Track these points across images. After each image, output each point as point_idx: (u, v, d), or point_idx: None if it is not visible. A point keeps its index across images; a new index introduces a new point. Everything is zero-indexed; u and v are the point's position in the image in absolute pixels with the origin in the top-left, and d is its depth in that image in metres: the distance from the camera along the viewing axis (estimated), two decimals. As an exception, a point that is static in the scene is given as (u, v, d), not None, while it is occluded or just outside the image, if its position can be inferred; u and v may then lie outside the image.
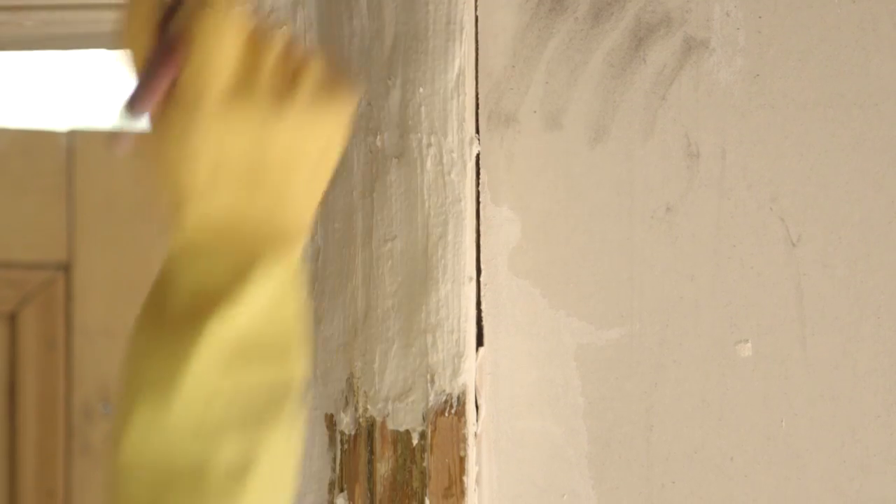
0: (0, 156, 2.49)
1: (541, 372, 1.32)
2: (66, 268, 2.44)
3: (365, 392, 1.28)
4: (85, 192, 2.48)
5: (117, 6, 1.24)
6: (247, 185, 1.13)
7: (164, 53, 1.12)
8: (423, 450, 1.28)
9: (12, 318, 2.47)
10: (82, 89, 3.26)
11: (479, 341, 1.30)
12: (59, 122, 2.67)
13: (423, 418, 1.27)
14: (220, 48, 1.12)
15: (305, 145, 1.15)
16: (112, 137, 1.13)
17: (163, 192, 1.15)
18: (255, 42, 1.15)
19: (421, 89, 1.26)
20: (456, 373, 1.26)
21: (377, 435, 1.28)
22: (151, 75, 1.12)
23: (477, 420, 1.28)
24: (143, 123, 1.15)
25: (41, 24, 1.55)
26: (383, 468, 1.28)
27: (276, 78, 1.15)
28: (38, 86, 3.30)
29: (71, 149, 2.47)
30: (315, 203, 1.17)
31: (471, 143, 1.27)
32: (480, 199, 1.31)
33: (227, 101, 1.13)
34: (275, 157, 1.14)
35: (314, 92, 1.16)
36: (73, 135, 2.47)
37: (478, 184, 1.31)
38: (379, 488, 1.27)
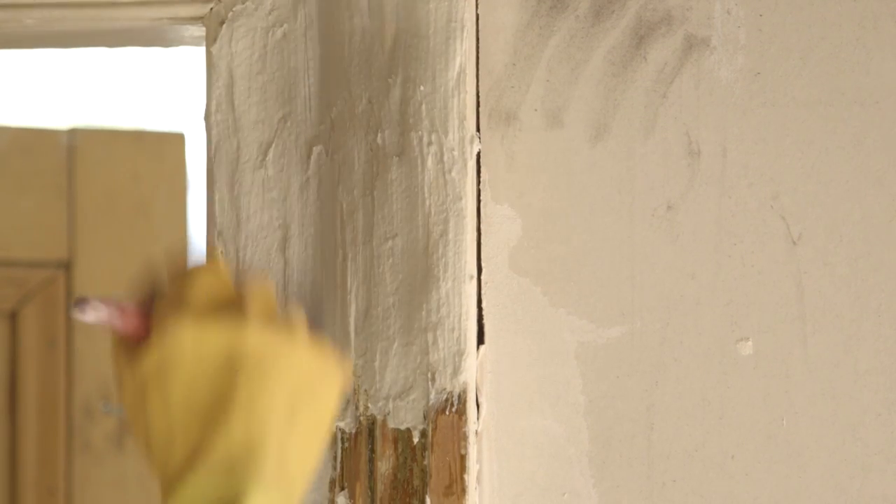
0: (0, 154, 2.49)
1: (541, 370, 1.32)
2: (66, 266, 2.45)
3: (365, 390, 1.28)
4: (85, 190, 2.49)
5: (118, 5, 1.26)
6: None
7: (134, 314, 1.19)
8: (423, 448, 1.28)
9: (13, 317, 2.47)
10: (83, 87, 3.27)
11: (480, 339, 1.30)
12: (60, 120, 2.73)
13: (424, 416, 1.28)
14: (178, 350, 1.17)
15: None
16: (79, 303, 1.16)
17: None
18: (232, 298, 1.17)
19: (421, 87, 1.27)
20: (457, 371, 1.26)
21: (378, 433, 1.29)
22: (116, 315, 1.18)
23: (478, 418, 1.28)
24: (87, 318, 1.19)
25: (42, 22, 1.56)
26: (384, 466, 1.29)
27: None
28: (39, 84, 3.34)
29: (72, 147, 2.47)
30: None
31: (471, 142, 1.27)
32: (481, 198, 1.32)
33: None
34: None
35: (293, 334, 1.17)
36: (73, 133, 2.47)
37: (478, 182, 1.31)
38: (380, 487, 1.28)
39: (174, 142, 2.37)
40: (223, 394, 1.15)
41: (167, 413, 1.14)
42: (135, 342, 1.17)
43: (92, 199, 2.46)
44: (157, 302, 1.19)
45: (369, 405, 1.29)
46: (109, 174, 2.50)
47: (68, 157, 2.46)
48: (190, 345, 1.15)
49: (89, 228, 2.46)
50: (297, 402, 1.14)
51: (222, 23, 1.35)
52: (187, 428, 1.15)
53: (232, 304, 1.18)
